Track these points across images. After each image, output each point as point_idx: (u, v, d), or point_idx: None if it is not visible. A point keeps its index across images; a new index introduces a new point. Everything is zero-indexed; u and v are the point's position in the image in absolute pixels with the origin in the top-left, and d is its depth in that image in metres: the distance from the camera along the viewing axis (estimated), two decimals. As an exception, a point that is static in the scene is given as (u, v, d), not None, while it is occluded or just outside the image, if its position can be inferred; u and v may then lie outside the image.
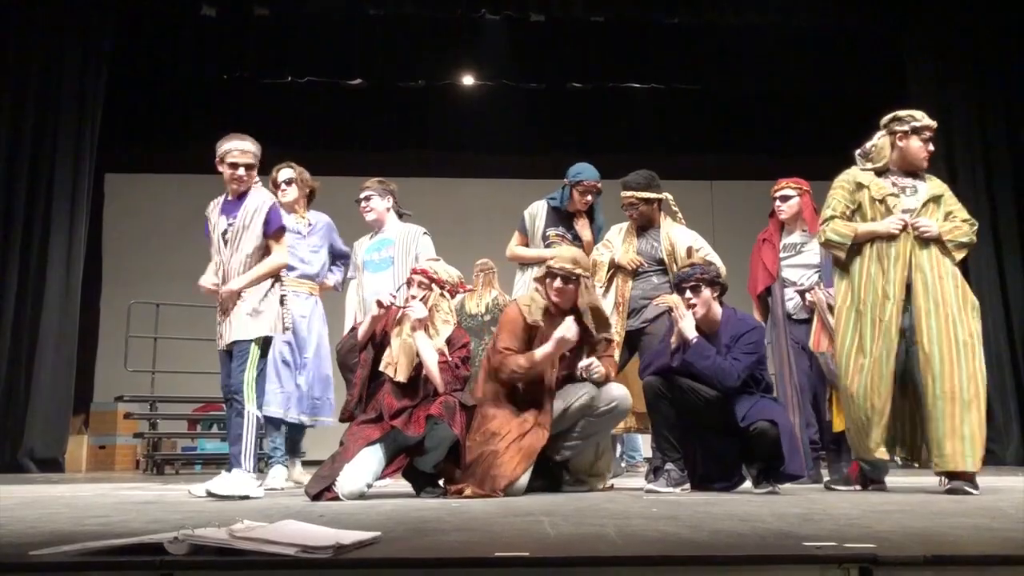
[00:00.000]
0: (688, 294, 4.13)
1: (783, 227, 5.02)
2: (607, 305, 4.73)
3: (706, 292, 4.13)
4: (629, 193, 4.90)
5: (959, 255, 4.03)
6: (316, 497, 3.69)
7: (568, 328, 4.06)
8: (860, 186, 4.13)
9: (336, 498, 3.66)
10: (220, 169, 4.23)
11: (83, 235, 7.86)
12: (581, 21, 8.72)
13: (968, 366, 3.83)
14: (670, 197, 4.99)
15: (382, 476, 3.95)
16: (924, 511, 2.90)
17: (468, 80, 9.88)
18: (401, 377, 4.01)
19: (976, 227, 4.12)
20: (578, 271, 4.20)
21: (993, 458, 7.46)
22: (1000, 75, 8.23)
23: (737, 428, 3.92)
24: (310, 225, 5.20)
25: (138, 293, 8.53)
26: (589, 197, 5.05)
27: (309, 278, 5.14)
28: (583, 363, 4.18)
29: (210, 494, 3.79)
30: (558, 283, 4.18)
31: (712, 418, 4.03)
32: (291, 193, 5.15)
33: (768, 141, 10.07)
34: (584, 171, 5.04)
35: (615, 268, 4.86)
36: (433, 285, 4.21)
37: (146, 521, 2.71)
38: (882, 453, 3.98)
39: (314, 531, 2.04)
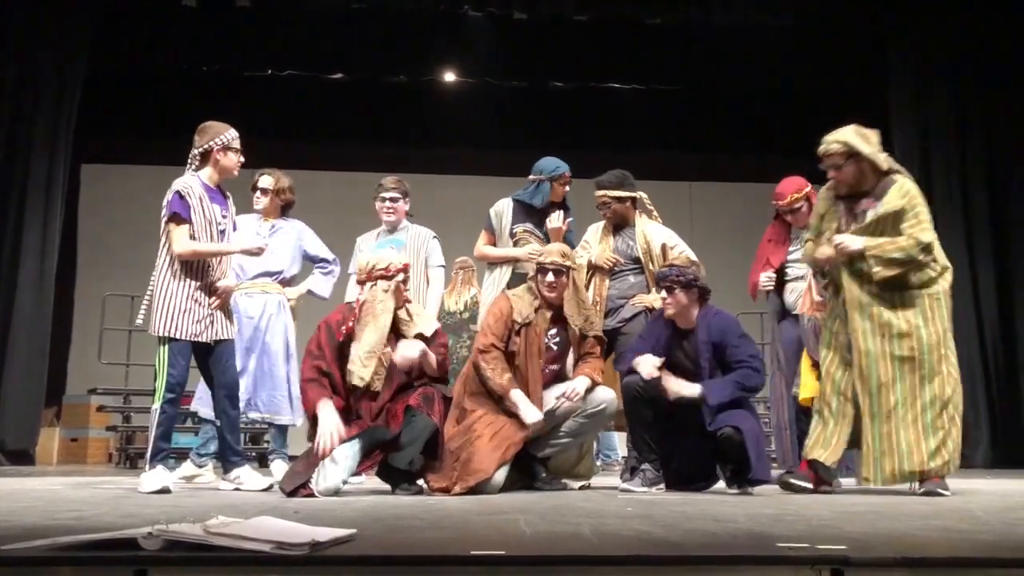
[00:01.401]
0: (663, 293, 4.19)
1: (790, 227, 4.94)
2: None
3: (680, 294, 4.16)
4: (602, 192, 4.91)
5: (884, 271, 3.87)
6: (291, 494, 3.67)
7: (532, 419, 4.07)
8: (820, 216, 4.18)
9: (311, 495, 3.65)
10: (219, 156, 4.21)
11: (58, 226, 7.77)
12: (564, 20, 8.73)
13: (908, 380, 3.87)
14: (644, 196, 5.00)
15: (357, 472, 3.94)
16: (895, 513, 2.94)
17: (450, 77, 9.86)
18: (379, 387, 3.94)
19: (923, 246, 3.89)
20: (568, 263, 4.33)
21: (963, 461, 7.55)
22: (980, 77, 8.28)
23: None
24: (273, 227, 5.13)
25: (113, 285, 8.45)
26: (567, 187, 5.08)
27: (262, 276, 5.04)
28: (557, 393, 4.19)
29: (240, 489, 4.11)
30: (550, 277, 4.28)
31: (688, 419, 4.05)
32: (262, 202, 5.14)
33: (748, 142, 10.12)
34: (560, 165, 5.07)
35: (593, 268, 4.87)
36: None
37: (119, 516, 2.69)
38: (815, 454, 4.04)
39: (290, 528, 2.04)
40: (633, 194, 4.92)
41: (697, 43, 8.98)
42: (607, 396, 4.24)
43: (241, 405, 4.55)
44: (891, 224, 3.95)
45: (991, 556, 1.87)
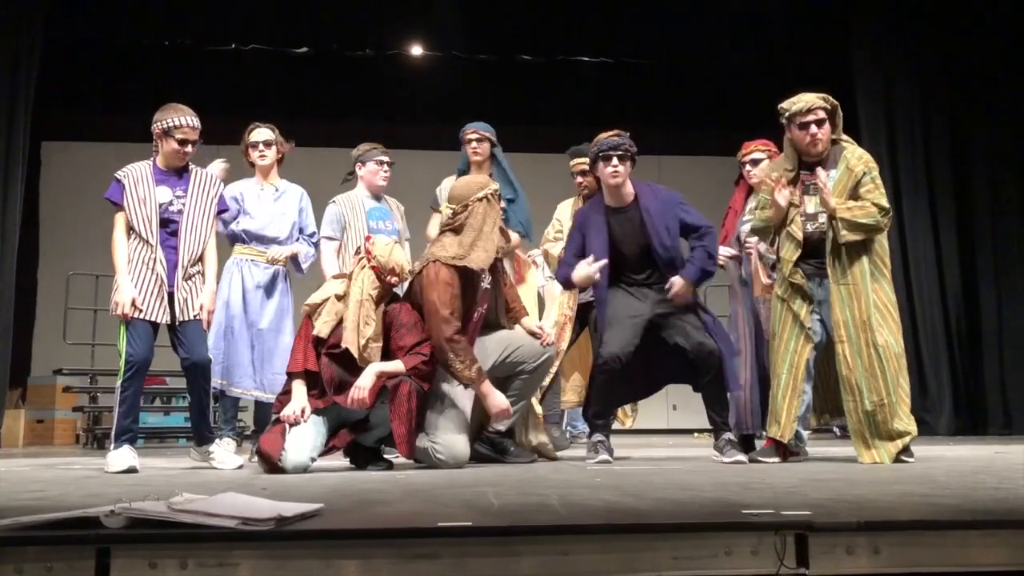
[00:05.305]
0: (614, 162, 4.18)
1: (750, 192, 4.90)
2: (557, 286, 4.80)
3: (629, 164, 4.23)
4: (579, 160, 4.95)
5: (850, 236, 3.85)
6: (268, 465, 3.66)
7: (499, 407, 3.96)
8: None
9: (279, 471, 3.63)
10: (160, 141, 4.16)
11: (18, 204, 7.61)
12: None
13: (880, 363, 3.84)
14: None
15: (327, 450, 3.91)
16: (860, 479, 2.98)
17: (417, 50, 9.77)
18: (376, 356, 3.85)
19: (887, 214, 3.92)
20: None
21: (927, 429, 7.68)
22: (944, 49, 8.33)
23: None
24: (277, 191, 4.91)
25: (77, 264, 8.32)
26: (474, 145, 5.05)
27: (268, 243, 4.82)
28: (496, 340, 4.16)
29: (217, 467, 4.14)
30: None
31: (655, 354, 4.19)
32: (270, 156, 4.87)
33: (716, 116, 10.13)
34: (468, 125, 5.09)
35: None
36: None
37: (83, 495, 2.66)
38: (771, 432, 4.03)
39: (255, 503, 2.02)
40: None
41: (668, 17, 8.95)
42: (542, 349, 4.21)
43: (249, 383, 4.60)
44: (850, 189, 3.93)
45: (952, 519, 1.90)
